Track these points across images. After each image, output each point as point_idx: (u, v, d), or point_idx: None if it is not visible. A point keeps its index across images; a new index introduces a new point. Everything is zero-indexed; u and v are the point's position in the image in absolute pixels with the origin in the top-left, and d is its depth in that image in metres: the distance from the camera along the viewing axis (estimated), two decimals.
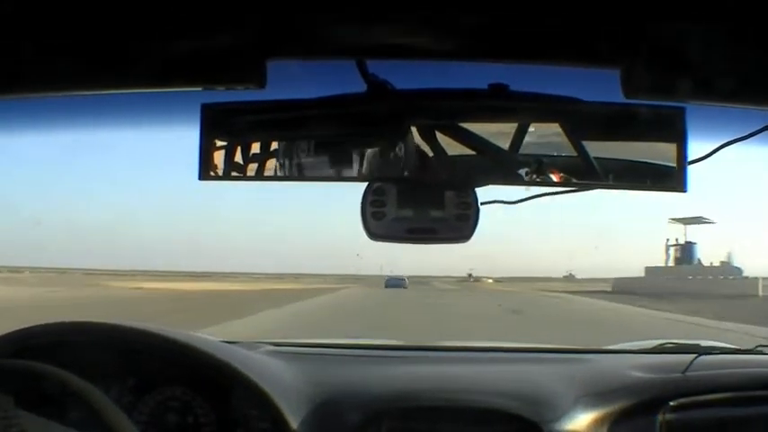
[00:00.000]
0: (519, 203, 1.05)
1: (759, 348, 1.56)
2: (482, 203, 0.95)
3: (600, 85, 0.88)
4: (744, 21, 0.77)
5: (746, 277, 33.02)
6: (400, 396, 1.33)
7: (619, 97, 0.84)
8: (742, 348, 1.60)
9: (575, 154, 0.91)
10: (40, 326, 1.28)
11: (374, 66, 0.89)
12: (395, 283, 35.16)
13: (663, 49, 0.81)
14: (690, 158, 0.91)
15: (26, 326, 1.27)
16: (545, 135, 0.93)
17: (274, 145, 0.94)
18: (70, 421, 1.01)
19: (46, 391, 1.02)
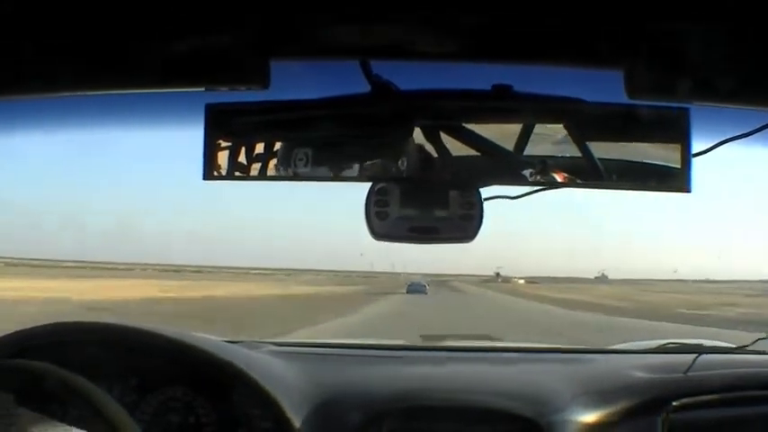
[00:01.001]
0: (522, 198, 1.04)
1: (760, 348, 1.56)
2: (485, 199, 0.95)
3: (603, 86, 0.88)
4: (746, 20, 0.77)
5: None
6: (402, 396, 1.33)
7: (622, 98, 0.84)
8: (744, 348, 1.60)
9: (579, 154, 0.91)
10: (42, 326, 1.28)
11: (378, 66, 0.89)
12: (417, 288, 30.64)
13: (666, 50, 0.81)
14: (694, 160, 0.91)
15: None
16: (549, 136, 0.93)
17: (278, 145, 0.94)
18: (72, 420, 1.02)
19: (47, 390, 1.02)
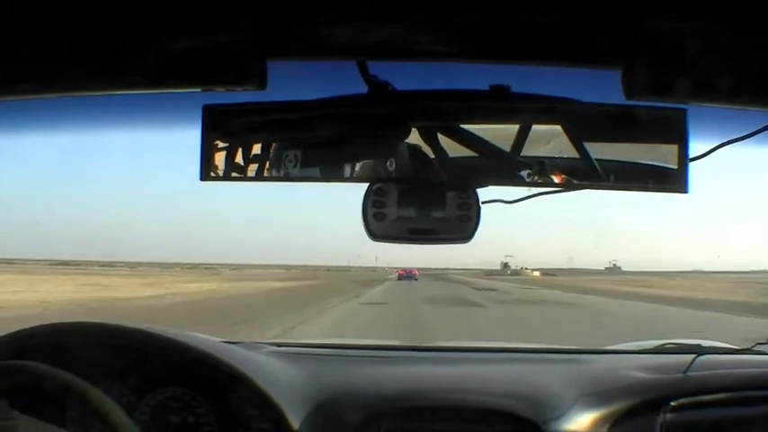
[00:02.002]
0: (520, 202, 1.05)
1: (759, 348, 1.56)
2: (483, 202, 0.95)
3: (601, 86, 0.88)
4: (744, 21, 0.77)
5: None
6: (400, 396, 1.33)
7: (620, 98, 0.84)
8: (743, 348, 1.60)
9: (576, 155, 0.91)
10: (40, 326, 1.27)
11: (375, 67, 0.89)
12: (407, 276, 32.05)
13: (664, 50, 0.81)
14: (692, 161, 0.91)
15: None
16: (546, 136, 0.93)
17: (275, 146, 0.94)
18: (70, 421, 1.01)
19: (46, 391, 1.02)
